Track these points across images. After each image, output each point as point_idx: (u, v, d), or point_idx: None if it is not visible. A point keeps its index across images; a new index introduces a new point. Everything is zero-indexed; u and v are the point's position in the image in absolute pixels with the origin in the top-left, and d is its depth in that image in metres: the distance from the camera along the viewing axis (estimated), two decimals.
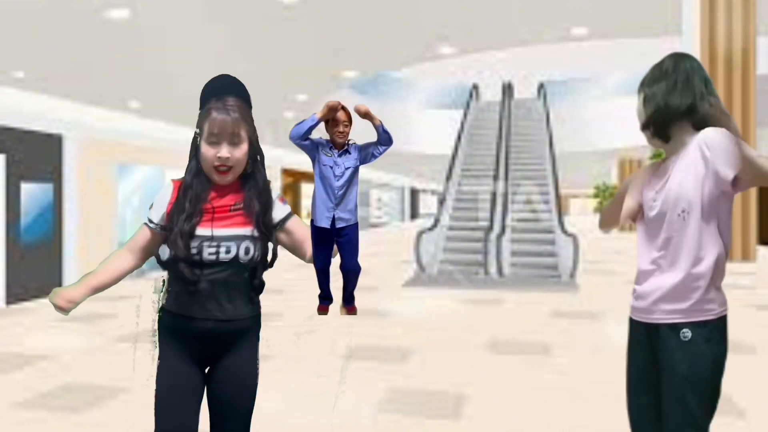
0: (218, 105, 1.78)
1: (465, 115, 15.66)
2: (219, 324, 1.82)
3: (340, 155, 2.33)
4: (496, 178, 11.73)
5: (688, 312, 1.68)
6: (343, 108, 2.40)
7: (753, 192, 11.81)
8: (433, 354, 4.94)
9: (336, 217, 2.34)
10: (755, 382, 4.07)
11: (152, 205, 1.87)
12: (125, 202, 10.18)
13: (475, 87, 17.74)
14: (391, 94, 21.43)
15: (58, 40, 7.09)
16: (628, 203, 1.89)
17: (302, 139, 2.17)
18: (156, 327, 1.90)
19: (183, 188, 1.82)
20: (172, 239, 1.77)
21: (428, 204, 44.28)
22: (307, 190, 21.15)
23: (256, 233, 1.85)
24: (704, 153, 1.64)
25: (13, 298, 7.73)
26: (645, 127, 1.79)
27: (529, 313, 6.74)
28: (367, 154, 2.41)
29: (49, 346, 5.30)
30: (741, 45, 11.63)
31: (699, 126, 1.72)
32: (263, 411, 3.63)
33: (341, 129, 2.32)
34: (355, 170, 2.39)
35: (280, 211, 1.95)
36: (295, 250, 2.03)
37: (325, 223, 2.35)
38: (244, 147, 1.82)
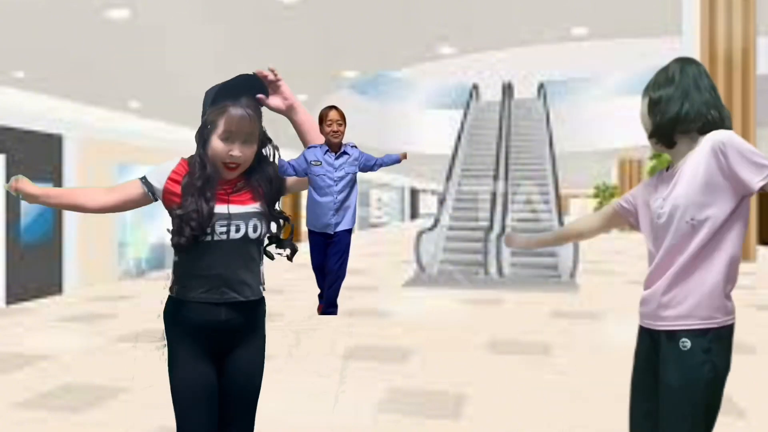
0: (235, 103, 1.81)
1: (465, 115, 15.67)
2: (236, 309, 1.83)
3: (337, 157, 2.31)
4: (496, 178, 11.73)
5: (687, 319, 1.65)
6: (336, 108, 2.39)
7: None
8: (433, 354, 4.94)
9: (334, 222, 2.34)
10: (755, 382, 4.07)
11: (152, 169, 1.88)
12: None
13: (475, 87, 17.75)
14: (391, 94, 21.43)
15: (58, 40, 7.09)
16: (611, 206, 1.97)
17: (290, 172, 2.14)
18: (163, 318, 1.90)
19: (193, 171, 1.82)
20: (186, 217, 1.76)
21: (428, 204, 44.26)
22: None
23: (262, 209, 1.87)
24: (720, 159, 1.60)
25: (13, 298, 7.73)
26: (652, 135, 1.78)
27: (529, 313, 6.74)
28: (367, 166, 2.40)
29: (49, 346, 5.30)
30: (741, 45, 11.63)
31: (703, 131, 1.69)
32: (263, 411, 3.63)
33: (335, 128, 2.31)
34: (355, 175, 2.38)
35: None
36: (295, 185, 2.05)
37: (327, 230, 2.35)
38: (254, 146, 1.84)
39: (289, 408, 3.67)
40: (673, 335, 1.66)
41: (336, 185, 2.31)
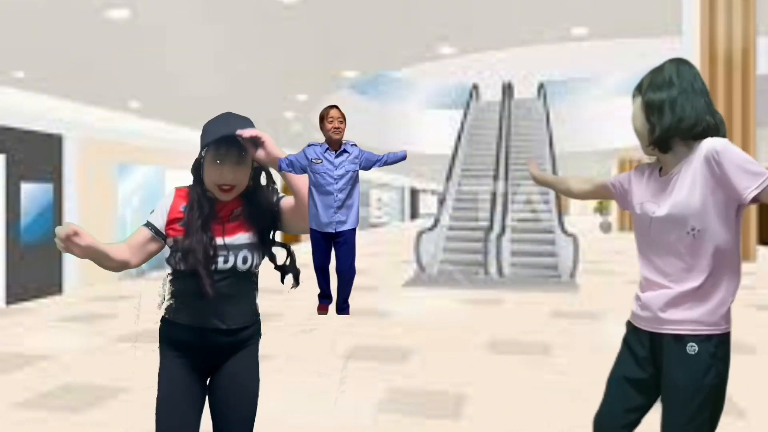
0: (225, 127, 1.80)
1: (465, 115, 15.67)
2: (223, 334, 1.85)
3: (337, 155, 2.33)
4: (496, 178, 11.73)
5: (696, 324, 1.65)
6: (336, 107, 2.40)
7: None
8: (433, 354, 4.94)
9: (337, 221, 2.34)
10: (755, 382, 4.07)
11: (153, 210, 1.90)
12: (125, 202, 10.17)
13: (475, 87, 17.75)
14: (391, 94, 21.43)
15: (58, 40, 7.09)
16: (599, 183, 1.99)
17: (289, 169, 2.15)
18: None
19: (191, 203, 1.85)
20: (187, 249, 1.78)
21: (428, 204, 44.27)
22: None
23: (254, 240, 1.87)
24: (713, 167, 1.59)
25: (13, 298, 7.73)
26: (651, 141, 1.72)
27: (529, 313, 6.74)
28: (369, 161, 2.41)
29: (49, 346, 5.30)
30: (741, 45, 11.63)
31: (699, 136, 1.67)
32: (263, 411, 3.62)
33: (336, 125, 2.32)
34: (356, 173, 2.39)
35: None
36: (292, 217, 1.93)
37: (329, 229, 2.36)
38: (247, 169, 1.85)
39: (289, 408, 3.67)
40: (680, 339, 1.66)
41: (336, 183, 2.32)
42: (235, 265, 1.84)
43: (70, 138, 8.86)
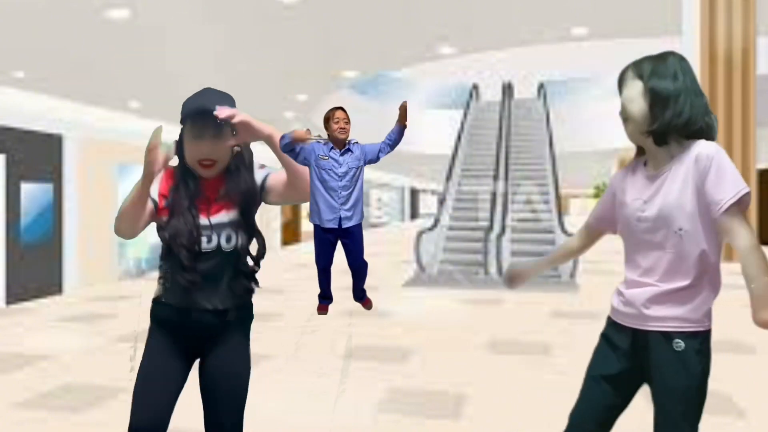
0: (202, 101, 1.80)
1: (465, 115, 15.67)
2: (212, 315, 1.84)
3: (342, 154, 2.37)
4: (496, 178, 11.73)
5: (681, 321, 1.67)
6: (342, 108, 2.44)
7: (753, 192, 11.81)
8: (433, 354, 4.94)
9: (342, 216, 2.38)
10: (755, 382, 4.07)
11: None
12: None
13: (475, 87, 17.75)
14: (391, 94, 21.43)
15: (58, 40, 7.09)
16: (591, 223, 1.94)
17: (290, 154, 2.18)
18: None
19: (176, 183, 1.84)
20: (173, 230, 1.79)
21: (428, 204, 44.27)
22: None
23: (237, 219, 1.85)
24: (701, 171, 1.60)
25: (13, 298, 7.73)
26: (651, 131, 1.68)
27: (529, 313, 6.74)
28: (372, 153, 2.46)
29: (49, 346, 5.30)
30: (741, 45, 11.63)
31: (693, 136, 1.67)
32: (263, 411, 3.63)
33: (342, 125, 2.37)
34: (359, 170, 2.43)
35: (259, 175, 1.95)
36: (287, 192, 1.91)
37: (331, 225, 2.38)
38: (225, 143, 1.83)
39: (289, 408, 3.67)
40: (666, 336, 1.67)
41: (341, 180, 2.37)
42: (219, 245, 1.83)
43: (70, 138, 8.86)
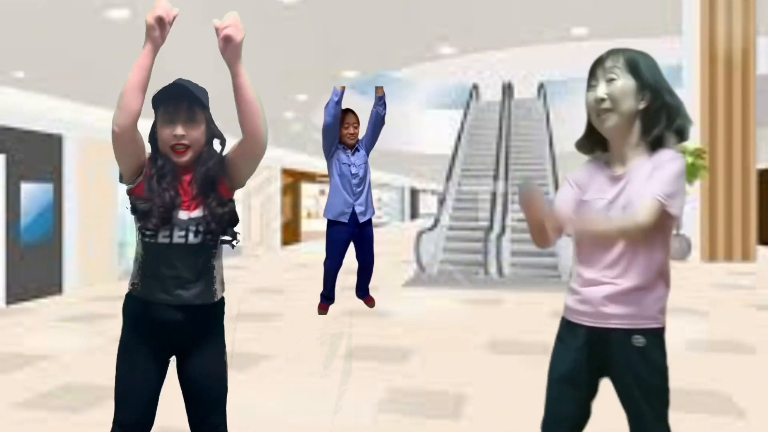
0: (172, 87, 1.81)
1: (465, 115, 15.67)
2: (183, 311, 1.84)
3: (352, 154, 2.45)
4: (496, 178, 11.73)
5: (639, 318, 1.69)
6: (351, 110, 2.50)
7: (753, 192, 11.82)
8: (433, 354, 4.94)
9: (357, 211, 2.45)
10: (755, 382, 4.07)
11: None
12: (125, 202, 10.16)
13: (475, 87, 17.75)
14: (391, 94, 21.26)
15: (58, 40, 7.10)
16: (554, 219, 1.81)
17: (336, 120, 2.33)
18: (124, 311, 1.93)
19: (157, 169, 1.82)
20: (148, 211, 1.78)
21: (428, 204, 44.28)
22: (306, 190, 21.12)
23: (203, 212, 1.84)
24: (656, 168, 1.62)
25: (13, 298, 7.73)
26: (658, 135, 1.67)
27: (529, 313, 6.74)
28: (369, 138, 2.57)
29: (49, 346, 5.30)
30: (741, 45, 11.62)
31: (657, 143, 1.69)
32: (263, 411, 3.63)
33: (351, 131, 2.44)
34: (367, 164, 2.55)
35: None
36: (242, 146, 1.84)
37: (344, 218, 2.45)
38: (199, 127, 1.82)
39: (289, 408, 3.67)
40: (626, 333, 1.69)
41: (354, 178, 2.47)
42: (186, 238, 1.82)
43: (70, 138, 8.86)
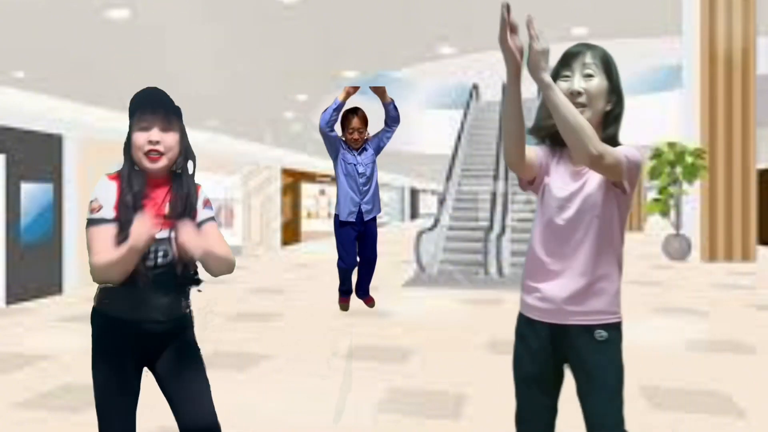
0: (150, 96, 1.81)
1: (465, 115, 15.66)
2: (151, 326, 1.84)
3: (359, 154, 2.45)
4: (496, 178, 11.73)
5: (602, 314, 1.71)
6: (358, 112, 2.48)
7: (753, 192, 11.82)
8: (433, 354, 4.94)
9: (363, 210, 2.46)
10: (755, 382, 4.07)
11: (96, 203, 1.77)
12: None
13: (475, 87, 17.74)
14: (391, 94, 21.37)
15: (58, 40, 7.10)
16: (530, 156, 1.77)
17: (330, 127, 2.33)
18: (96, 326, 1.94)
19: (124, 193, 1.78)
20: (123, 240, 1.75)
21: (428, 204, 44.29)
22: (306, 190, 21.13)
23: (171, 235, 1.82)
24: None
25: (13, 298, 7.74)
26: (614, 136, 1.72)
27: None
28: (379, 141, 2.55)
29: (49, 346, 5.30)
30: (741, 45, 11.62)
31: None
32: (263, 411, 3.63)
33: (356, 137, 2.44)
34: (374, 163, 2.55)
35: (203, 214, 1.92)
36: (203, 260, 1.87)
37: (351, 218, 2.46)
38: (175, 135, 1.81)
39: (289, 408, 3.67)
40: (588, 329, 1.70)
41: (361, 178, 2.47)
42: (156, 260, 1.80)
43: (70, 138, 8.86)
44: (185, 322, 1.94)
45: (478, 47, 10.51)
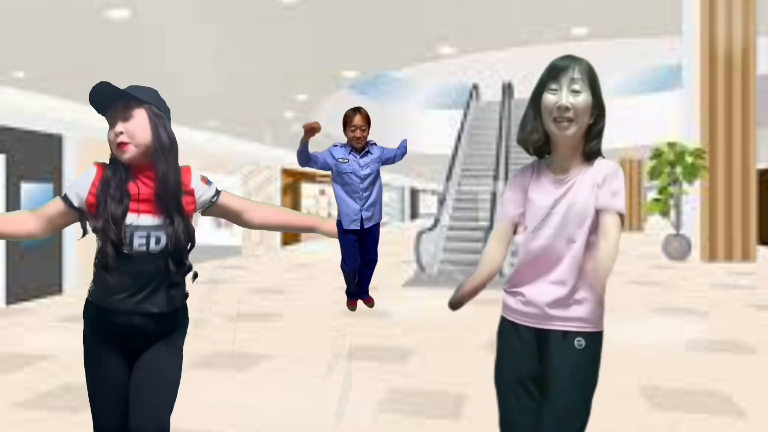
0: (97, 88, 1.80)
1: (465, 115, 15.66)
2: (144, 318, 1.84)
3: (362, 156, 2.38)
4: (496, 178, 11.73)
5: (582, 322, 1.72)
6: (359, 111, 2.44)
7: (753, 192, 11.82)
8: (433, 354, 4.94)
9: (364, 217, 2.40)
10: (755, 382, 4.07)
11: (72, 183, 1.88)
12: None
13: (475, 87, 17.74)
14: (391, 94, 21.43)
15: (58, 39, 7.10)
16: (504, 226, 1.89)
17: (308, 164, 2.28)
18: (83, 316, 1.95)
19: (105, 178, 1.83)
20: (102, 225, 1.78)
21: (428, 204, 44.28)
22: (306, 190, 21.13)
23: (167, 222, 1.83)
24: (605, 180, 1.69)
25: (13, 298, 7.73)
26: (597, 149, 1.77)
27: None
28: (388, 161, 2.50)
29: (49, 346, 5.30)
30: (741, 45, 11.62)
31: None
32: (263, 411, 3.63)
33: (358, 135, 2.37)
34: (378, 171, 2.46)
35: (206, 192, 1.95)
36: (235, 220, 2.07)
37: (354, 226, 2.41)
38: (138, 122, 1.80)
39: (289, 408, 3.67)
40: (567, 335, 1.72)
41: (362, 183, 2.39)
42: (148, 246, 1.81)
43: (70, 138, 8.86)
44: (178, 320, 1.93)
45: (478, 47, 10.51)
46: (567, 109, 1.71)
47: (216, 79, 9.52)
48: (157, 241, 1.81)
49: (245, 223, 2.09)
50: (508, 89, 16.53)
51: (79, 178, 1.88)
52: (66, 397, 3.89)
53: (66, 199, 1.86)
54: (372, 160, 2.39)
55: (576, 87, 1.72)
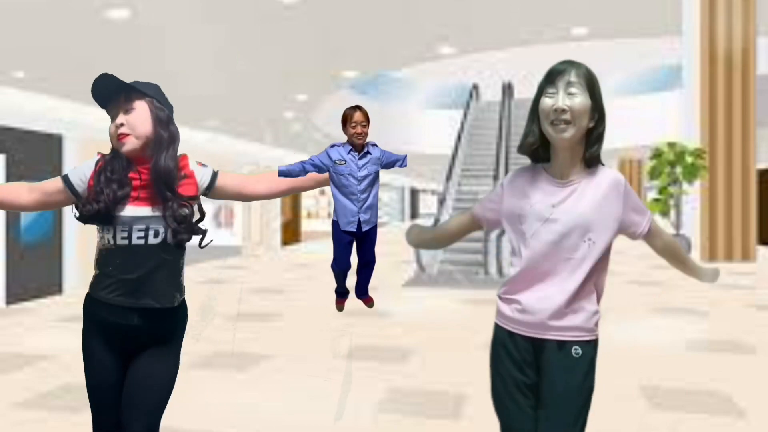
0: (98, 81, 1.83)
1: (465, 115, 15.66)
2: (144, 318, 1.83)
3: (360, 157, 2.35)
4: (496, 178, 11.73)
5: (579, 331, 1.73)
6: (360, 108, 2.42)
7: (753, 192, 11.82)
8: (433, 354, 4.94)
9: (362, 220, 2.37)
10: (755, 382, 4.07)
11: (76, 167, 1.89)
12: None
13: (475, 87, 17.74)
14: (391, 94, 21.43)
15: (58, 39, 7.10)
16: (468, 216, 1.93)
17: (305, 172, 2.28)
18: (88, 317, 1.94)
19: (106, 166, 1.83)
20: (102, 207, 1.78)
21: (428, 204, 44.29)
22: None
23: (162, 212, 1.83)
24: (622, 196, 1.73)
25: (13, 298, 7.73)
26: (597, 154, 1.77)
27: None
28: (388, 165, 2.48)
29: (49, 346, 5.30)
30: (741, 45, 11.62)
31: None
32: (263, 411, 3.63)
33: (359, 130, 2.34)
34: (377, 173, 2.42)
35: (204, 173, 1.95)
36: (239, 197, 2.09)
37: (351, 227, 2.39)
38: (139, 114, 1.82)
39: (289, 408, 3.67)
40: (564, 344, 1.72)
41: (360, 184, 2.36)
42: (146, 239, 1.81)
43: (70, 138, 8.86)
44: (177, 320, 1.92)
45: (478, 47, 10.51)
46: (563, 111, 1.69)
47: (216, 79, 9.53)
48: (156, 234, 1.81)
49: (251, 196, 2.10)
50: (508, 89, 16.53)
51: (82, 164, 1.89)
52: (66, 397, 3.89)
53: (66, 180, 1.86)
54: (371, 161, 2.36)
55: (573, 90, 1.71)
